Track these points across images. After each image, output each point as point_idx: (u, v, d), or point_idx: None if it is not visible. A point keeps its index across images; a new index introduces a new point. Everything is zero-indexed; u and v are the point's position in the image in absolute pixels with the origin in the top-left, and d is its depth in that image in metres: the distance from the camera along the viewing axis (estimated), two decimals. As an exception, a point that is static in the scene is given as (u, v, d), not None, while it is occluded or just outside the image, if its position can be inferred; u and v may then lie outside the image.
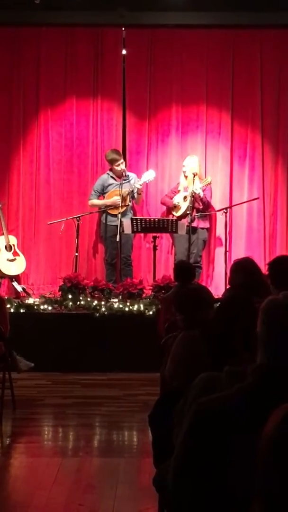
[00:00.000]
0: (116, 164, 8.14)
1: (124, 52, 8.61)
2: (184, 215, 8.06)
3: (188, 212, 7.97)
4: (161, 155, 8.68)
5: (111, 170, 8.25)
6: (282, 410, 1.66)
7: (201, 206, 8.14)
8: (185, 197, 8.16)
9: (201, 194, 8.04)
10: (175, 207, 8.24)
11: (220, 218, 8.28)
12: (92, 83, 8.65)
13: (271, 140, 8.63)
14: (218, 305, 3.23)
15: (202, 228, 8.21)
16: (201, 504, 1.75)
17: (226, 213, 8.13)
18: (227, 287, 4.79)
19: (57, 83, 8.66)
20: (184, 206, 8.13)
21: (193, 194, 7.93)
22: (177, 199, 8.23)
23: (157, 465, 3.07)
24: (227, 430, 1.74)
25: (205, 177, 8.28)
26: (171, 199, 8.31)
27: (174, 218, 8.13)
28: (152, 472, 3.20)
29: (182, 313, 3.87)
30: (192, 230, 7.98)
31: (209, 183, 8.15)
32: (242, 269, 4.50)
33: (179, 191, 8.28)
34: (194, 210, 8.01)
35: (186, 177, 8.19)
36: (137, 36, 8.65)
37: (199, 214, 8.15)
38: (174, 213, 8.25)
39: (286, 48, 8.57)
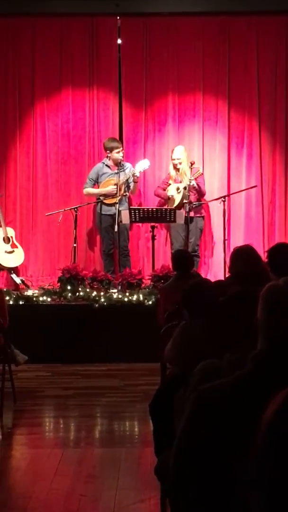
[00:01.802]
0: (117, 151, 8.08)
1: (119, 41, 8.56)
2: (179, 207, 8.03)
3: (186, 201, 7.94)
4: (158, 144, 8.64)
5: (107, 158, 8.20)
6: (281, 396, 1.65)
7: (196, 195, 8.11)
8: (177, 188, 8.14)
9: (195, 185, 8.00)
10: (170, 200, 8.21)
11: (218, 207, 8.25)
12: (87, 73, 8.60)
13: (268, 127, 8.59)
14: (226, 301, 3.21)
15: (199, 217, 8.19)
16: (202, 491, 1.73)
17: (224, 201, 8.10)
18: (228, 275, 4.76)
19: (52, 73, 8.61)
20: (178, 197, 8.12)
21: (186, 186, 7.92)
22: (171, 192, 8.21)
23: (158, 454, 3.06)
24: (227, 416, 1.72)
25: (192, 166, 8.18)
26: (164, 190, 8.29)
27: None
28: (154, 461, 3.20)
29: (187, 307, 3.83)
30: (189, 219, 7.96)
31: (201, 174, 8.13)
32: (242, 257, 4.46)
33: (170, 183, 8.24)
34: (190, 201, 7.99)
35: (178, 169, 8.16)
36: (132, 25, 8.60)
37: (196, 203, 8.14)
38: (169, 205, 8.21)
39: (283, 34, 8.52)
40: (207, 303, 3.48)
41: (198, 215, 8.18)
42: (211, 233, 8.59)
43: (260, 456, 1.63)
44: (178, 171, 8.17)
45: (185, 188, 7.98)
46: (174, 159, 8.20)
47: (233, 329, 2.70)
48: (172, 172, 8.23)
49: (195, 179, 8.00)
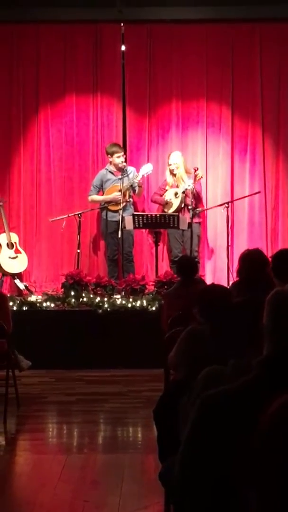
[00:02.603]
0: (117, 155, 8.10)
1: (123, 48, 8.58)
2: (176, 212, 8.06)
3: (190, 207, 7.96)
4: (161, 150, 8.66)
5: (110, 164, 8.22)
6: (279, 401, 1.65)
7: (194, 200, 8.11)
8: (176, 194, 8.16)
9: (193, 189, 8.01)
10: (167, 204, 8.23)
11: (222, 213, 8.27)
12: (91, 80, 8.63)
13: (271, 134, 8.61)
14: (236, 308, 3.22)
15: (196, 223, 8.19)
16: (208, 497, 1.73)
17: (227, 207, 8.12)
18: (235, 280, 4.74)
19: (56, 80, 8.64)
20: (176, 202, 8.14)
21: (186, 190, 7.95)
22: (168, 196, 8.22)
23: (162, 460, 3.05)
24: (233, 422, 1.73)
25: (195, 172, 8.17)
26: (161, 196, 8.31)
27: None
28: (157, 467, 3.19)
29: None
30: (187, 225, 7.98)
31: (201, 177, 8.14)
32: (250, 262, 4.43)
33: (167, 189, 8.26)
34: (187, 206, 8.01)
35: (174, 175, 8.18)
36: (136, 32, 8.63)
37: (199, 209, 8.17)
38: (166, 210, 8.23)
39: (286, 41, 8.54)
40: (217, 308, 3.47)
41: (195, 221, 8.18)
42: (214, 239, 8.59)
43: (256, 460, 1.63)
44: (175, 176, 8.19)
45: (183, 192, 8.01)
46: (170, 164, 8.22)
47: (238, 335, 2.71)
48: (169, 178, 8.25)
49: (195, 182, 8.01)
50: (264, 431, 1.63)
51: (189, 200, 8.01)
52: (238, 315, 2.83)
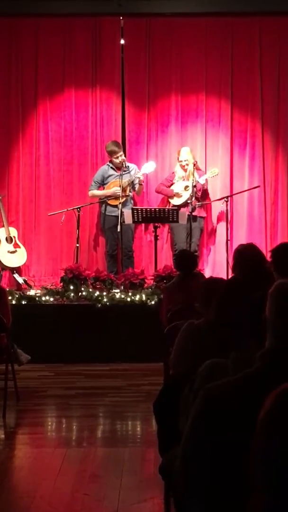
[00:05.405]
0: (115, 156, 8.11)
1: (122, 41, 8.56)
2: (184, 204, 8.07)
3: (189, 201, 7.97)
4: (161, 145, 8.65)
5: (111, 161, 8.23)
6: (278, 390, 1.64)
7: (200, 195, 8.16)
8: (186, 187, 8.16)
9: (204, 185, 8.07)
10: (176, 195, 8.23)
11: (221, 207, 8.27)
12: (90, 74, 8.61)
13: (271, 128, 8.60)
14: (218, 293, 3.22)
15: (201, 217, 8.20)
16: (210, 489, 1.73)
17: (227, 201, 8.13)
18: (231, 276, 4.73)
19: (55, 74, 8.62)
20: (185, 195, 8.14)
21: (195, 184, 7.95)
22: (177, 189, 8.22)
23: (162, 453, 3.05)
24: (235, 415, 1.72)
25: (195, 165, 8.20)
26: (168, 187, 8.30)
27: (171, 206, 8.14)
28: (157, 461, 3.20)
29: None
30: (192, 218, 7.98)
31: (216, 175, 8.19)
32: (243, 258, 4.40)
33: (174, 182, 8.26)
34: (194, 199, 8.03)
35: (186, 170, 8.18)
36: (135, 25, 8.61)
37: (200, 203, 8.17)
38: (171, 201, 8.23)
39: (285, 35, 8.52)
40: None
41: (201, 215, 8.21)
42: (214, 233, 8.60)
43: (256, 451, 1.63)
44: (186, 172, 8.20)
45: (194, 186, 8.02)
46: (181, 161, 8.22)
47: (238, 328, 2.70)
48: (181, 172, 8.24)
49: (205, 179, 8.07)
50: (261, 421, 1.63)
51: (197, 194, 8.04)
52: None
